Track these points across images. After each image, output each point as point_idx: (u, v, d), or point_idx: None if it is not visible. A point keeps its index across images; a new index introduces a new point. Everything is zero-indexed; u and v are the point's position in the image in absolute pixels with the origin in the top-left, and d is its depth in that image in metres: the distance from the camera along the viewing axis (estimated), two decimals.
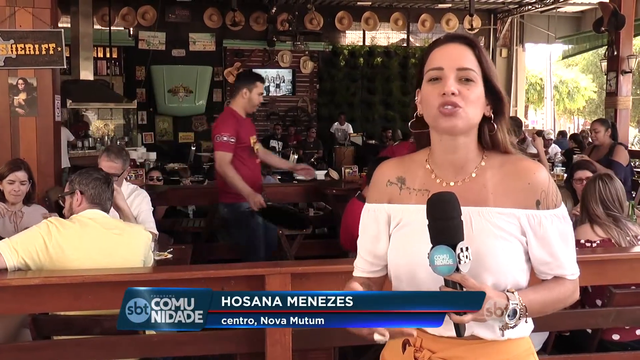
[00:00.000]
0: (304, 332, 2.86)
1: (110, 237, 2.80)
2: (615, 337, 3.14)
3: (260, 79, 4.79)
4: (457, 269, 1.32)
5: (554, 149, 10.70)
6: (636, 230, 3.26)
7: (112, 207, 3.08)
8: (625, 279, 3.08)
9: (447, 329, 1.38)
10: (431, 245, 1.33)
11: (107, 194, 2.91)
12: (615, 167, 5.52)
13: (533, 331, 1.54)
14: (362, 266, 1.62)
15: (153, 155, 10.43)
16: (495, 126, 1.49)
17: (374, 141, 12.75)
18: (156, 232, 3.82)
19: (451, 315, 1.33)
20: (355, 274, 1.63)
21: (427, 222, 1.37)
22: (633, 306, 3.04)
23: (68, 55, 8.34)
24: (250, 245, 4.75)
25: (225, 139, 4.55)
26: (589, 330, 3.14)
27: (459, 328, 1.36)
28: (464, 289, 1.34)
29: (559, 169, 7.58)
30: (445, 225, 1.33)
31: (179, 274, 2.79)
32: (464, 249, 1.32)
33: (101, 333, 2.75)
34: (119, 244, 2.82)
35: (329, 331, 2.99)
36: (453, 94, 1.41)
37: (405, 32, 13.62)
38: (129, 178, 5.74)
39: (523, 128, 8.73)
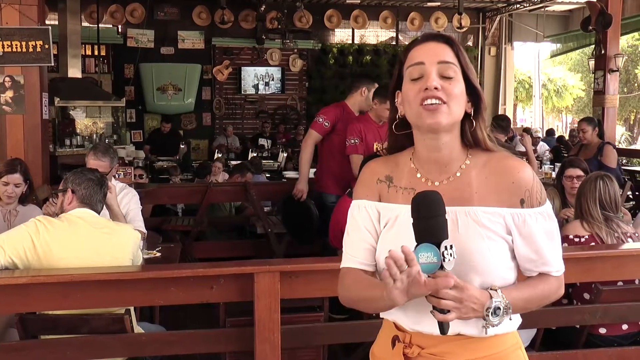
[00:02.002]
0: (293, 331, 2.87)
1: (99, 236, 2.79)
2: (602, 331, 3.17)
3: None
4: (442, 267, 1.33)
5: (542, 147, 10.75)
6: (626, 229, 3.27)
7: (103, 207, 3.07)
8: (612, 276, 3.11)
9: (435, 328, 1.40)
10: (415, 244, 1.34)
11: (98, 195, 2.90)
12: (607, 171, 5.54)
13: (521, 328, 1.55)
14: (360, 257, 1.55)
15: (142, 153, 10.37)
16: (474, 123, 1.49)
17: None
18: (145, 230, 3.81)
19: (435, 314, 1.36)
20: (350, 265, 1.56)
21: (411, 220, 1.37)
22: (619, 303, 3.07)
23: (56, 52, 8.27)
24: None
25: (320, 120, 4.88)
26: (577, 325, 3.17)
27: (443, 326, 1.37)
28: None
29: (547, 167, 7.64)
30: (429, 223, 1.34)
31: (168, 273, 2.78)
32: (448, 247, 1.32)
33: (89, 332, 2.74)
34: (108, 243, 2.81)
35: (318, 329, 3.00)
36: (436, 88, 1.42)
37: (395, 30, 13.61)
38: (117, 176, 5.74)
39: (512, 126, 8.77)
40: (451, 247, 1.33)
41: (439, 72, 1.44)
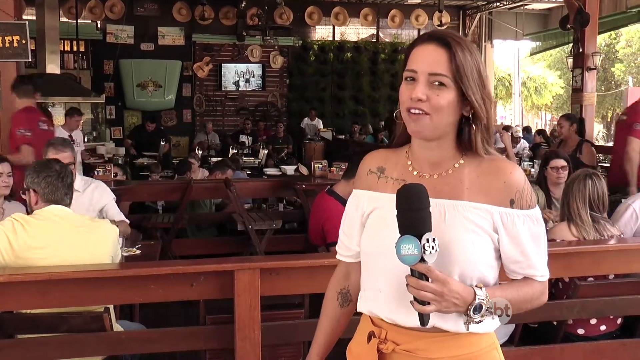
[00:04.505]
0: (273, 328, 2.86)
1: (77, 234, 2.75)
2: (580, 331, 3.19)
3: None
4: (423, 260, 1.34)
5: (522, 144, 10.87)
6: (613, 231, 3.24)
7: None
8: (590, 272, 3.14)
9: (411, 319, 1.42)
10: (399, 236, 1.35)
11: (61, 189, 2.78)
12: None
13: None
14: (342, 252, 1.69)
15: (121, 150, 10.30)
16: (470, 127, 1.47)
17: (343, 136, 12.80)
18: (126, 220, 3.79)
19: (414, 305, 1.37)
20: (338, 257, 1.71)
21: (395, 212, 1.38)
22: (597, 298, 3.11)
23: (33, 48, 8.17)
24: None
25: (637, 127, 5.23)
26: (555, 323, 3.20)
27: (423, 318, 1.38)
28: (430, 280, 1.36)
29: (526, 164, 7.70)
30: (412, 216, 1.35)
31: (147, 270, 2.76)
32: (430, 240, 1.34)
33: (68, 331, 2.71)
34: (86, 240, 2.77)
35: (298, 326, 3.00)
36: (420, 100, 1.42)
37: (375, 27, 13.66)
38: (96, 174, 5.70)
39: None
40: (433, 240, 1.34)
41: (428, 82, 1.43)
